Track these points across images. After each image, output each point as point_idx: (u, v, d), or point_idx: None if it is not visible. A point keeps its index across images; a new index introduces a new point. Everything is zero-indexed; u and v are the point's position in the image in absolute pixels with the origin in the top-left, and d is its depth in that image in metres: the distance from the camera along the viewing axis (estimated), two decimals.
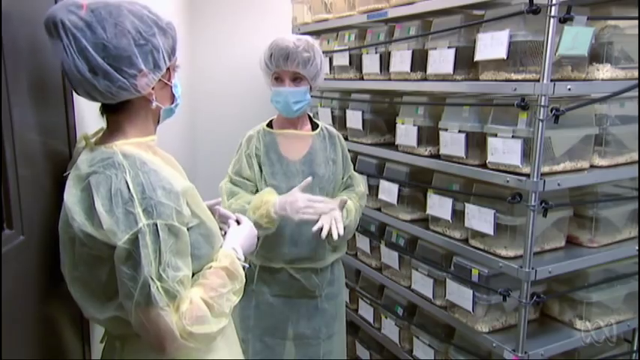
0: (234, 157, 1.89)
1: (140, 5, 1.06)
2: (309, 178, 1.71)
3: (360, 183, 1.99)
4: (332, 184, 1.87)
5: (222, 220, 1.37)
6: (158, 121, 1.18)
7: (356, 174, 2.00)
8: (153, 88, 1.09)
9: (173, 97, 1.17)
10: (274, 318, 1.87)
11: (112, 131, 1.11)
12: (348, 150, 2.56)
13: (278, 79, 1.77)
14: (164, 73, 1.10)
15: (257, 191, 1.83)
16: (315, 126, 1.91)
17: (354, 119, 2.44)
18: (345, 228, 1.75)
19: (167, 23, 1.09)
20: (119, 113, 1.10)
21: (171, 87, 1.15)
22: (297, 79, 1.75)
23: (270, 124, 1.90)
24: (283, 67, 1.72)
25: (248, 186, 1.84)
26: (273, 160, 1.82)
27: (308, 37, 1.76)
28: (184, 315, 1.00)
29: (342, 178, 1.93)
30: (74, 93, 1.22)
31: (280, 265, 1.84)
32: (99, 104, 1.13)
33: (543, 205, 1.65)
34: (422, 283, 2.12)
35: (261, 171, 1.83)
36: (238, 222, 1.36)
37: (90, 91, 1.03)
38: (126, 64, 1.01)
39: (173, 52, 1.11)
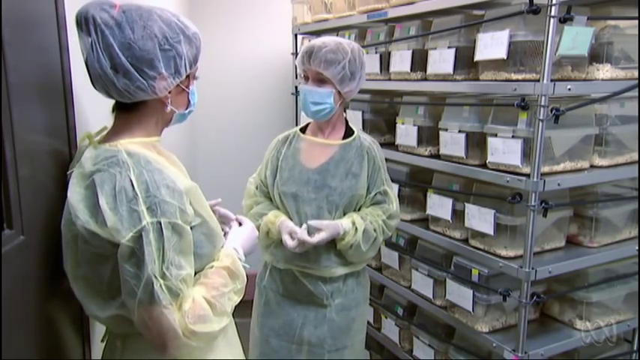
0: None
1: (170, 13, 1.09)
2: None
3: (394, 201, 1.83)
4: (345, 199, 1.75)
5: (223, 221, 1.37)
6: (168, 124, 1.19)
7: (391, 192, 1.84)
8: (170, 92, 1.11)
9: (188, 103, 1.19)
10: (281, 319, 1.86)
11: (118, 129, 1.11)
12: None
13: (305, 77, 1.75)
14: (183, 80, 1.12)
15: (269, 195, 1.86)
16: (349, 135, 1.81)
17: (354, 119, 2.44)
18: (351, 246, 1.71)
19: (193, 33, 1.11)
20: (131, 112, 1.11)
21: (188, 93, 1.17)
22: (321, 80, 1.70)
23: (305, 128, 1.88)
24: (307, 64, 1.70)
25: (264, 190, 1.88)
26: (290, 166, 1.79)
27: (348, 42, 1.70)
28: (187, 313, 1.00)
29: (371, 193, 1.79)
30: (74, 92, 1.23)
31: (287, 267, 1.82)
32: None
33: (543, 205, 1.65)
34: (422, 283, 2.12)
35: (275, 175, 1.81)
36: (240, 222, 1.37)
37: (108, 88, 1.05)
38: (148, 65, 1.03)
39: (195, 60, 1.13)
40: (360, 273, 1.88)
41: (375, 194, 1.80)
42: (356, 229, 1.72)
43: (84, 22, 1.01)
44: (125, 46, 1.01)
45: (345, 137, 1.80)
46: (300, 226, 1.72)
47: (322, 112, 1.72)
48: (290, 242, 1.69)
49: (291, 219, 1.77)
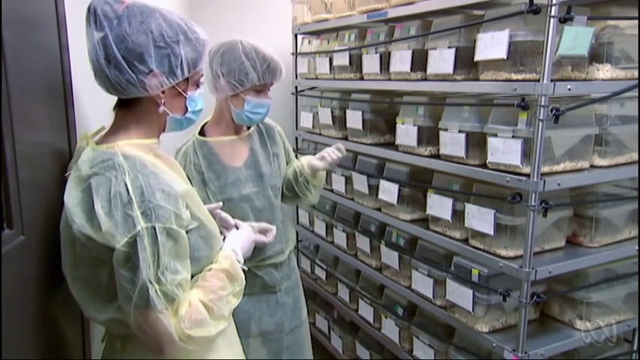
0: None
1: (177, 15, 1.10)
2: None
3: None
4: (281, 179, 1.88)
5: (223, 225, 1.38)
6: (164, 129, 1.18)
7: (296, 160, 2.02)
8: (164, 93, 1.10)
9: (186, 109, 1.17)
10: (236, 317, 1.86)
11: (116, 129, 1.11)
12: (348, 150, 2.58)
13: (260, 90, 1.73)
14: (180, 82, 1.11)
15: None
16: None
17: (354, 119, 2.44)
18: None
19: (197, 38, 1.11)
20: (129, 110, 1.11)
21: (186, 98, 1.15)
22: (268, 90, 1.78)
23: (202, 132, 1.81)
24: (273, 79, 1.72)
25: None
26: (219, 172, 1.76)
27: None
28: (183, 318, 1.00)
29: (288, 166, 1.96)
30: (74, 92, 1.23)
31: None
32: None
33: (543, 205, 1.64)
34: (422, 283, 2.12)
35: (204, 187, 1.75)
36: (237, 227, 1.38)
37: (102, 80, 1.07)
38: (138, 59, 1.04)
39: (195, 65, 1.12)
40: (291, 252, 1.98)
41: (289, 164, 1.97)
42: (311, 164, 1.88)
43: (88, 14, 1.03)
44: (119, 39, 1.03)
45: (248, 127, 1.87)
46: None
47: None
48: (267, 239, 1.64)
49: (243, 219, 1.72)
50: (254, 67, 1.68)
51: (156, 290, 0.97)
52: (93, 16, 1.03)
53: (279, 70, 1.72)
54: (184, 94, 1.15)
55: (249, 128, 1.87)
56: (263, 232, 1.62)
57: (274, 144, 1.89)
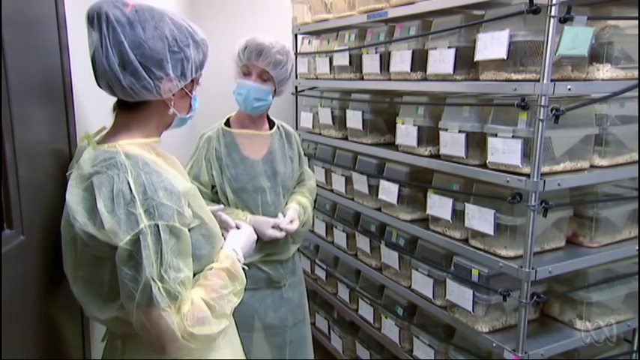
0: (191, 159, 1.88)
1: (180, 17, 1.11)
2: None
3: (312, 178, 2.11)
4: (292, 182, 1.96)
5: (223, 227, 1.38)
6: (167, 127, 1.20)
7: (308, 169, 2.11)
8: (173, 95, 1.11)
9: (189, 108, 1.19)
10: (241, 312, 1.87)
11: (117, 129, 1.11)
12: (348, 150, 2.59)
13: (246, 72, 1.80)
14: (187, 84, 1.13)
15: (215, 194, 1.85)
16: (271, 124, 1.96)
17: (354, 119, 2.44)
18: (304, 224, 1.94)
19: (202, 39, 1.13)
20: (133, 112, 1.11)
21: (190, 98, 1.18)
22: (264, 77, 1.79)
23: (227, 123, 1.91)
24: (254, 61, 1.76)
25: (203, 193, 1.83)
26: (237, 161, 1.84)
27: (285, 43, 1.80)
28: (186, 316, 1.01)
29: (298, 174, 2.02)
30: (74, 92, 1.23)
31: (249, 260, 1.85)
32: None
33: (543, 205, 1.65)
34: (422, 283, 2.12)
35: (221, 173, 1.83)
36: (238, 228, 1.39)
37: (113, 85, 1.05)
38: (156, 65, 1.04)
39: (201, 66, 1.15)
40: (297, 250, 2.05)
41: (300, 174, 2.04)
42: (304, 208, 1.94)
43: (96, 18, 1.01)
44: (135, 45, 1.02)
45: (270, 127, 1.95)
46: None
47: (262, 107, 1.83)
48: (278, 234, 1.80)
49: (252, 212, 1.83)
50: (240, 45, 1.78)
51: (159, 288, 0.97)
52: (105, 21, 1.00)
53: (255, 52, 1.74)
54: (190, 95, 1.16)
55: (271, 127, 1.93)
56: (276, 227, 1.79)
57: (291, 148, 1.98)
